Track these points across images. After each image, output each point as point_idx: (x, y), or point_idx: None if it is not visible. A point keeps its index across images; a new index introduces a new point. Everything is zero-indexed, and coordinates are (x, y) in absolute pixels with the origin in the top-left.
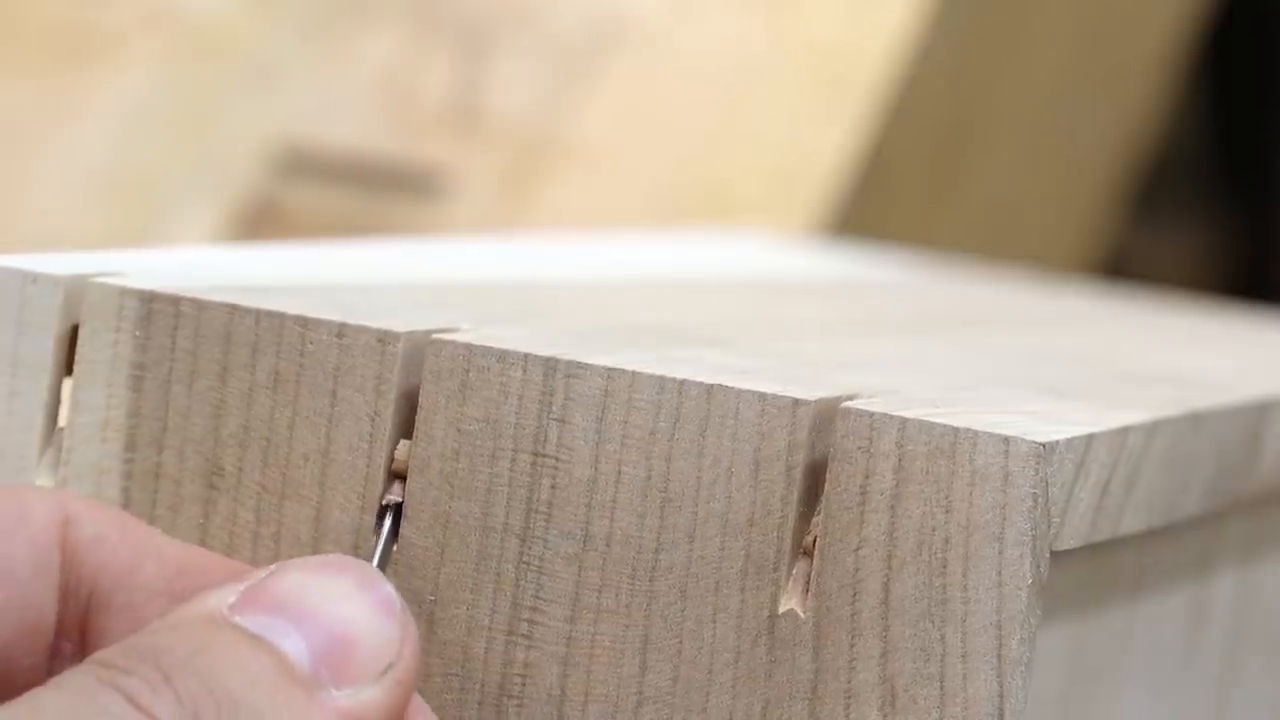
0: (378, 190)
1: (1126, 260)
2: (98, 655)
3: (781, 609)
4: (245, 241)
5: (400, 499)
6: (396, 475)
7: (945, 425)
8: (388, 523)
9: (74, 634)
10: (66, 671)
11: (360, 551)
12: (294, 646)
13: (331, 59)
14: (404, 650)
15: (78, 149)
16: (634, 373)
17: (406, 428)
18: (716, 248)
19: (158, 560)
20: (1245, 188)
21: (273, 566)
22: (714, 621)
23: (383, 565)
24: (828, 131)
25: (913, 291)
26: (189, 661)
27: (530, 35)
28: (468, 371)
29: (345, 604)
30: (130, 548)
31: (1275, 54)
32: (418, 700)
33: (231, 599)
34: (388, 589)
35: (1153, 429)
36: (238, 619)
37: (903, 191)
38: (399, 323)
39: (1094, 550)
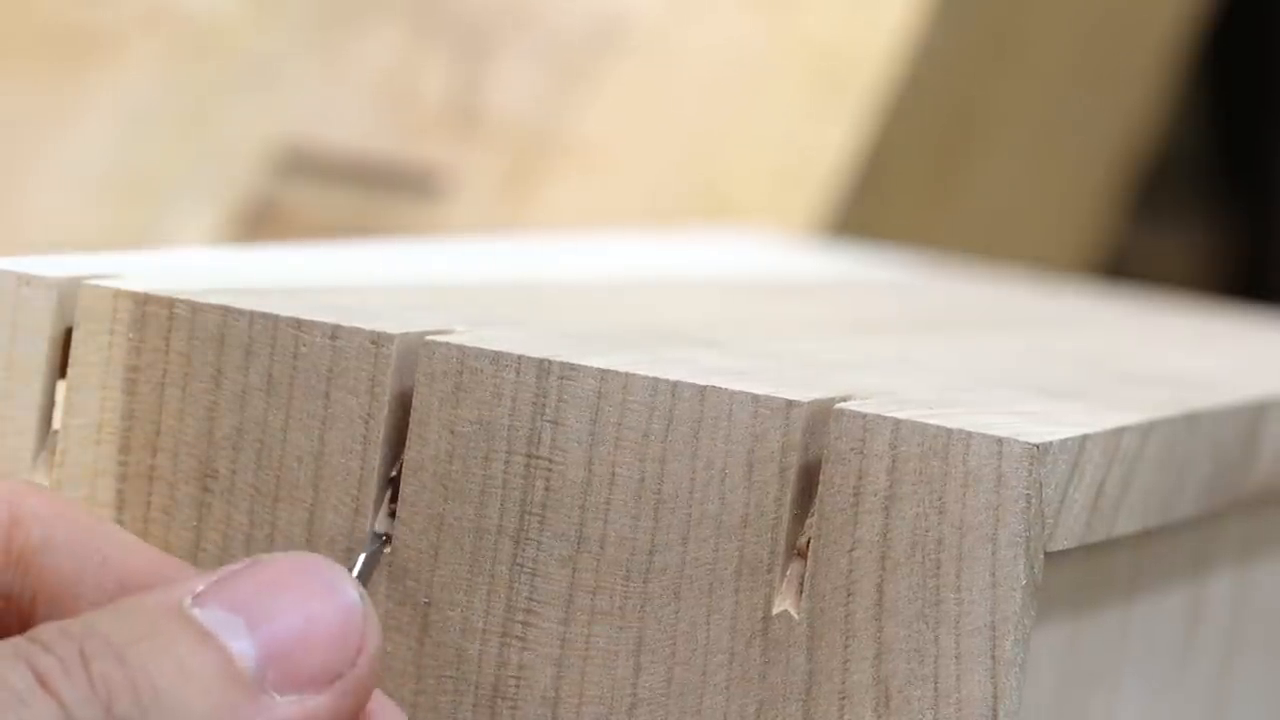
0: (378, 190)
1: (1126, 260)
2: (33, 630)
3: (775, 610)
4: (245, 241)
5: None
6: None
7: (938, 426)
8: (363, 557)
9: (19, 633)
10: None
11: (352, 555)
12: (243, 646)
13: (331, 59)
14: (359, 660)
15: (78, 149)
16: (627, 374)
17: (400, 430)
18: (716, 248)
19: (100, 570)
20: (1245, 188)
21: (249, 560)
22: (708, 623)
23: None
24: (828, 131)
25: (913, 291)
26: (120, 648)
27: (530, 35)
28: (461, 373)
29: (306, 607)
30: (75, 556)
31: (1275, 54)
32: (390, 706)
33: (200, 587)
34: (353, 596)
35: (1148, 429)
36: (196, 611)
37: (903, 191)
38: (393, 324)
39: (1089, 551)
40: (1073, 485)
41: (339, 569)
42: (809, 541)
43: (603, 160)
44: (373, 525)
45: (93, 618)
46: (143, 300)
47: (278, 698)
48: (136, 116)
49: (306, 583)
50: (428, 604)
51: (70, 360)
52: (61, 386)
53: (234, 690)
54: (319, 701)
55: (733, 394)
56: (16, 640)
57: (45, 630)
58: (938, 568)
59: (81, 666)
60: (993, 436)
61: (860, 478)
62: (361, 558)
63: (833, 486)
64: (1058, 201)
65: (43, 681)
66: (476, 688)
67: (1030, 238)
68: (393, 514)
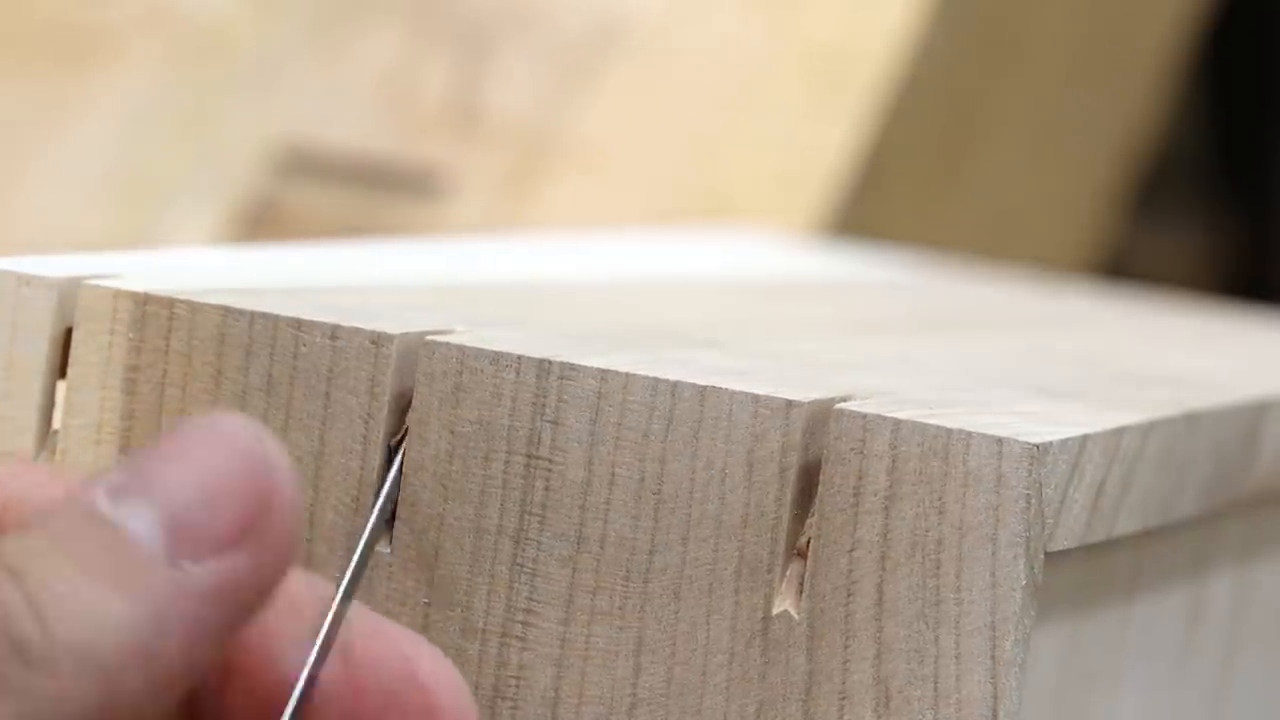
0: (378, 190)
1: (1126, 260)
2: None
3: (775, 610)
4: (245, 241)
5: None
6: None
7: (938, 426)
8: (396, 465)
9: None
10: None
11: (353, 553)
12: (142, 526)
13: (332, 59)
14: (273, 507)
15: (78, 149)
16: (627, 374)
17: (400, 430)
18: (716, 248)
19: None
20: (1245, 188)
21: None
22: (708, 623)
23: (391, 500)
24: (828, 131)
25: (912, 291)
26: (19, 566)
27: (530, 35)
28: (461, 374)
29: (203, 466)
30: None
31: (1275, 54)
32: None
33: (117, 476)
34: (249, 442)
35: (1148, 430)
36: (106, 503)
37: (903, 191)
38: (393, 325)
39: (1089, 551)
40: (1073, 485)
41: (240, 419)
42: (809, 541)
43: (603, 160)
44: (370, 522)
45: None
46: (143, 300)
47: (190, 567)
48: (136, 116)
49: (204, 441)
50: (428, 604)
51: (70, 360)
52: (61, 386)
53: (141, 576)
54: (234, 562)
55: (733, 394)
56: None
57: None
58: (938, 568)
59: None
60: (993, 437)
61: (860, 478)
62: (356, 556)
63: (833, 486)
64: (1058, 201)
65: None
66: (476, 688)
67: (1030, 238)
68: (392, 514)
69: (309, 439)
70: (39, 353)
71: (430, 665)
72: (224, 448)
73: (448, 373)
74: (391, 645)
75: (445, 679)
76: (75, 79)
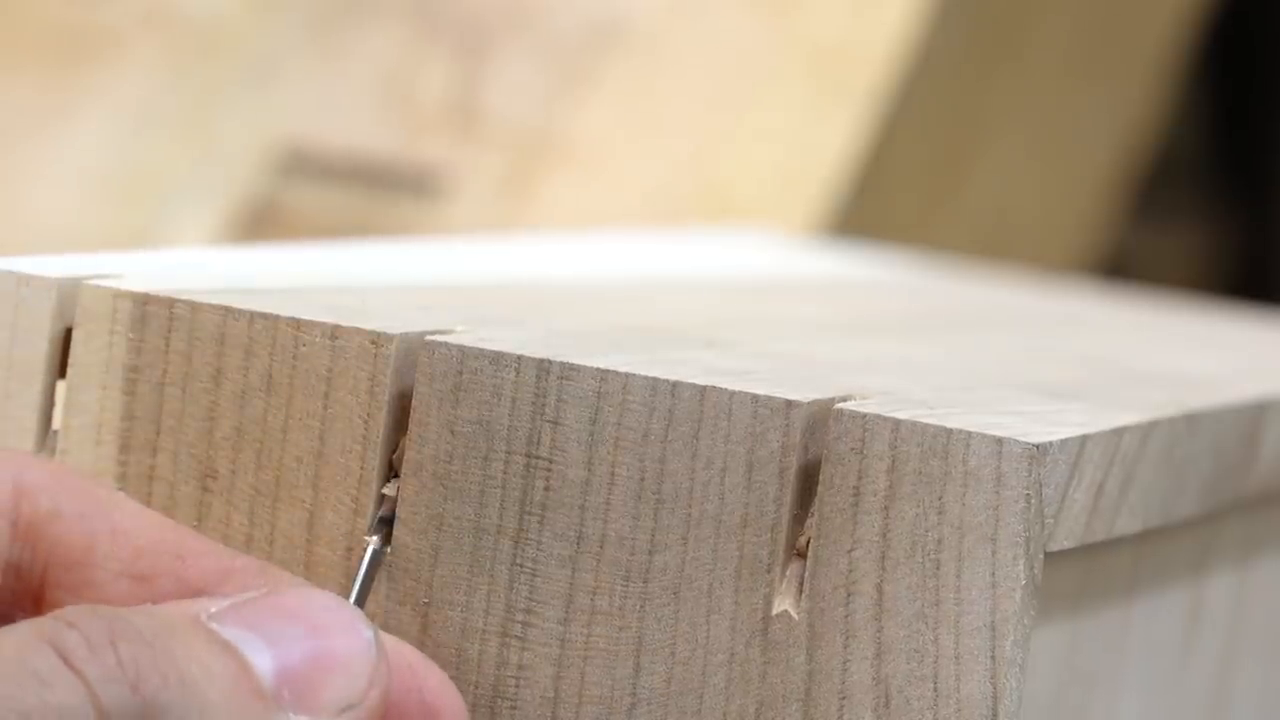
0: (378, 190)
1: (1127, 260)
2: (61, 610)
3: (775, 610)
4: (245, 242)
5: (390, 513)
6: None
7: (938, 426)
8: (373, 543)
9: (30, 606)
10: (21, 621)
11: (353, 553)
12: (262, 661)
13: (331, 59)
14: (370, 694)
15: (77, 149)
16: (627, 374)
17: (400, 430)
18: (716, 248)
19: (112, 540)
20: (1245, 187)
21: (265, 590)
22: (708, 623)
23: (370, 577)
24: (828, 131)
25: (912, 291)
26: (148, 635)
27: (530, 35)
28: (461, 373)
29: (324, 638)
30: (85, 526)
31: (1275, 54)
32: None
33: (214, 608)
34: (370, 635)
35: (1148, 430)
36: (215, 625)
37: (903, 191)
38: (392, 324)
39: (1089, 551)
40: (1073, 485)
41: (357, 611)
42: (808, 541)
43: (603, 160)
44: (373, 519)
45: (120, 609)
46: (143, 300)
47: (291, 716)
48: (136, 116)
49: (324, 616)
50: (427, 604)
51: (70, 360)
52: (62, 386)
53: (253, 699)
54: None
55: (733, 394)
56: (40, 620)
57: (74, 609)
58: (937, 568)
59: (109, 645)
60: (992, 437)
61: (860, 478)
62: (364, 564)
63: (832, 486)
64: (1058, 201)
65: (66, 659)
66: (476, 688)
67: (1030, 238)
68: (392, 513)
69: (309, 439)
70: (39, 353)
71: (437, 684)
72: (345, 630)
73: (447, 373)
74: (402, 658)
75: (451, 701)
76: (75, 79)
